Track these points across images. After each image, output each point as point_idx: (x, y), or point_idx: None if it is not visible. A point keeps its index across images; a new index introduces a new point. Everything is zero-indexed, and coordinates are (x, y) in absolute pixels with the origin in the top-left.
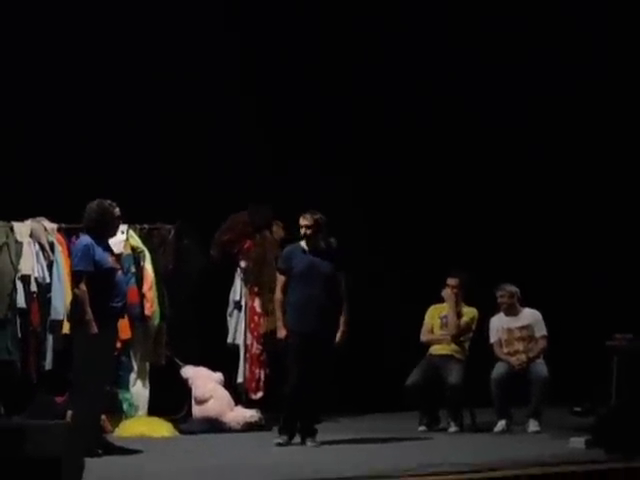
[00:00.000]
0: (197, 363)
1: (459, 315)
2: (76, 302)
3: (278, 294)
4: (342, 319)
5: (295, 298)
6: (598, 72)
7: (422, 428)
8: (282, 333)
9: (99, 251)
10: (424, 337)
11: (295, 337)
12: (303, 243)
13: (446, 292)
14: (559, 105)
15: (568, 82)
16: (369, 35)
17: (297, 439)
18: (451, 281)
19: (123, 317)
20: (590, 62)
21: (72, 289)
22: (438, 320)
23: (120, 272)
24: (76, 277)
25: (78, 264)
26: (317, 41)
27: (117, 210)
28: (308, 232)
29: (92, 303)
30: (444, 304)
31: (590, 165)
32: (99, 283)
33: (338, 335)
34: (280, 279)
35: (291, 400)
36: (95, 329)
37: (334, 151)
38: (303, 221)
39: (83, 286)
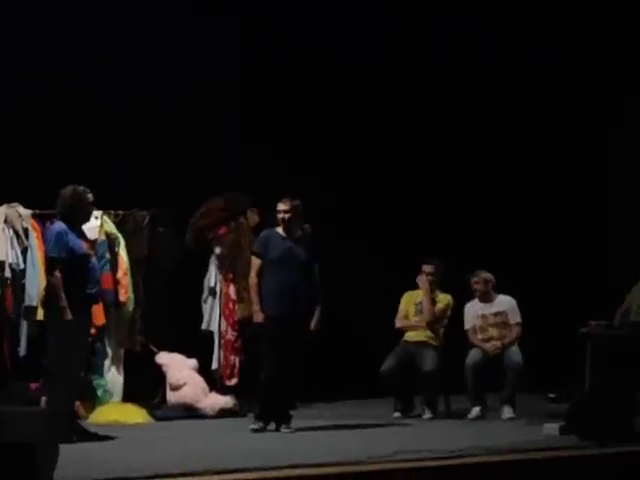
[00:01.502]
0: (172, 349)
1: (434, 302)
2: (50, 289)
3: (253, 278)
4: (316, 305)
5: (271, 283)
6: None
7: (397, 414)
8: (259, 317)
9: (73, 237)
10: (399, 323)
11: (271, 322)
12: (279, 229)
13: (421, 279)
14: (518, 95)
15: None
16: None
17: (272, 425)
18: (426, 268)
19: (97, 303)
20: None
21: (46, 276)
22: (413, 307)
23: (94, 258)
24: (50, 264)
25: (52, 250)
26: (293, 30)
27: (90, 196)
28: (286, 217)
29: (66, 290)
30: (419, 290)
31: (563, 151)
32: (73, 269)
33: (313, 321)
34: (255, 263)
35: (268, 386)
36: (70, 315)
37: (310, 138)
38: (281, 206)
39: (57, 273)
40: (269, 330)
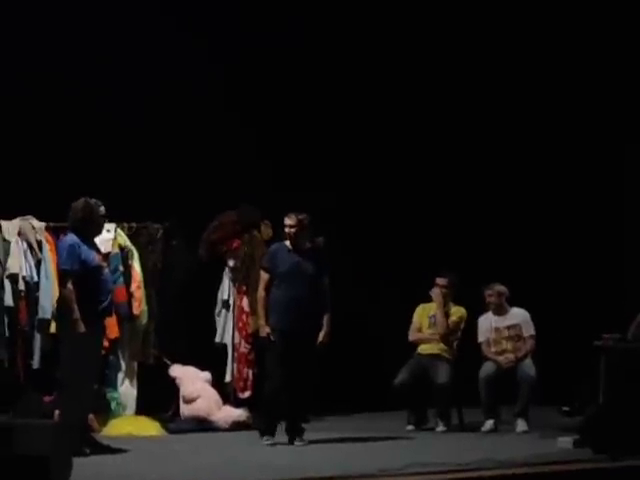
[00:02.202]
0: (185, 362)
1: (447, 314)
2: (63, 301)
3: (261, 292)
4: (325, 318)
5: (278, 297)
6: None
7: (410, 427)
8: (264, 331)
9: (85, 250)
10: (412, 336)
11: (278, 336)
12: (288, 242)
13: (435, 292)
14: (542, 104)
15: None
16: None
17: (284, 438)
18: (440, 281)
19: (110, 316)
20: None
21: (59, 288)
22: (427, 319)
23: (107, 270)
24: (62, 276)
25: (64, 263)
26: (301, 38)
27: (102, 209)
28: (292, 232)
29: (79, 302)
30: (432, 303)
31: (578, 163)
32: (86, 282)
33: (321, 334)
34: (263, 277)
35: (271, 401)
36: (83, 328)
37: (323, 151)
38: (287, 221)
39: (70, 285)
40: (275, 344)
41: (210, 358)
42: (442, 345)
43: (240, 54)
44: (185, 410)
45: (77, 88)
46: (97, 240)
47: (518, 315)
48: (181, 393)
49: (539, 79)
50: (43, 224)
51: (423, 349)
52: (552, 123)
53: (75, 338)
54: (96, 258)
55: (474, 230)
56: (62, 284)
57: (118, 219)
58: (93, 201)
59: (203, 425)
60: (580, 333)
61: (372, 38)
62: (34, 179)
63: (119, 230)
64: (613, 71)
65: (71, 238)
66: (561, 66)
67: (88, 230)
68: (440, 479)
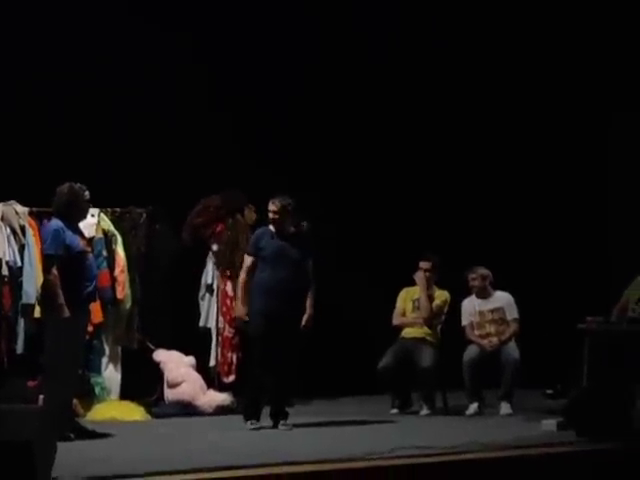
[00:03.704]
0: (169, 347)
1: (431, 298)
2: (48, 286)
3: (243, 275)
4: (309, 302)
5: (262, 281)
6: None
7: (394, 411)
8: (240, 312)
9: (69, 234)
10: (396, 320)
11: (260, 320)
12: (272, 227)
13: (418, 275)
14: (515, 91)
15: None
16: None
17: (269, 422)
18: (423, 264)
19: (95, 301)
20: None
21: (43, 273)
22: (410, 303)
23: (91, 255)
24: (47, 261)
25: (49, 248)
26: (294, 33)
27: (87, 193)
28: (275, 217)
29: (64, 287)
30: (416, 287)
31: (561, 146)
32: (70, 267)
33: (304, 318)
34: (247, 260)
35: (255, 385)
36: (67, 313)
37: (306, 136)
38: (271, 206)
39: (54, 270)
40: (257, 328)
41: (194, 342)
42: (426, 329)
43: (228, 42)
44: (169, 394)
45: (61, 74)
46: (81, 225)
47: (502, 298)
48: (165, 377)
49: (524, 50)
50: (26, 209)
51: (407, 333)
52: (533, 104)
53: (59, 323)
54: (80, 243)
55: (457, 213)
56: (47, 269)
57: (101, 204)
58: (78, 186)
59: (187, 409)
60: (564, 316)
61: (362, 34)
62: (17, 164)
63: (102, 215)
64: (600, 38)
65: (56, 223)
66: (546, 33)
67: (72, 215)
68: (425, 462)
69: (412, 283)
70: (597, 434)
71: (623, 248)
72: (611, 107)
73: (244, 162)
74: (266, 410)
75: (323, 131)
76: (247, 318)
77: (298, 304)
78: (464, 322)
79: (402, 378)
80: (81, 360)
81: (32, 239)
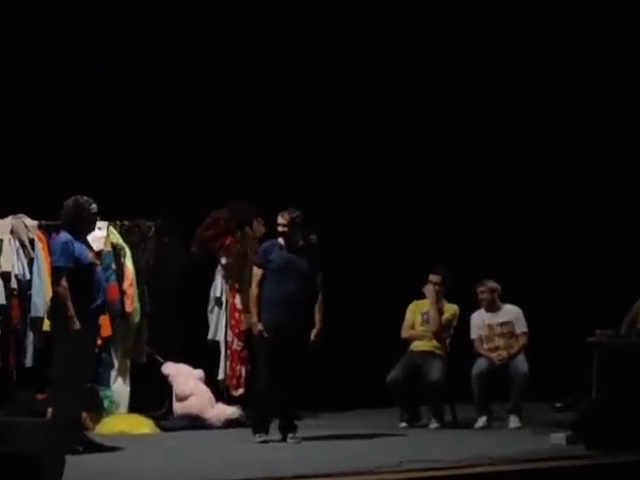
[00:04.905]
0: (178, 360)
1: (441, 312)
2: (58, 298)
3: (254, 288)
4: (318, 316)
5: (270, 294)
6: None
7: (403, 424)
8: (256, 328)
9: (78, 247)
10: (405, 333)
11: (269, 333)
12: (281, 239)
13: (428, 288)
14: (528, 105)
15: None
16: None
17: (277, 436)
18: (433, 277)
19: (104, 314)
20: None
21: (52, 286)
22: (419, 316)
23: (100, 268)
24: (57, 273)
25: (58, 260)
26: (298, 36)
27: (94, 206)
28: (284, 230)
29: (73, 299)
30: (425, 300)
31: (571, 160)
32: (79, 279)
33: (314, 332)
34: (256, 273)
35: (263, 398)
36: (77, 325)
37: (318, 148)
38: (280, 219)
39: (64, 282)
40: (266, 341)
41: (203, 356)
42: (435, 342)
43: (237, 51)
44: (178, 408)
45: (69, 86)
46: (89, 238)
47: (510, 312)
48: (174, 391)
49: (533, 37)
50: (35, 222)
51: (416, 346)
52: (546, 118)
53: (69, 336)
54: (89, 255)
55: (467, 226)
56: (56, 281)
57: (110, 217)
58: (84, 199)
59: (196, 423)
60: (573, 329)
61: (365, 34)
62: (26, 178)
63: (111, 228)
64: (611, 23)
65: (65, 235)
66: (556, 19)
67: (79, 228)
68: (434, 476)
69: (422, 296)
70: (606, 448)
71: (633, 261)
72: (622, 92)
73: (253, 175)
74: (275, 423)
75: (333, 144)
76: (265, 334)
77: (306, 317)
78: (473, 335)
79: (411, 391)
80: (90, 373)
81: (41, 252)
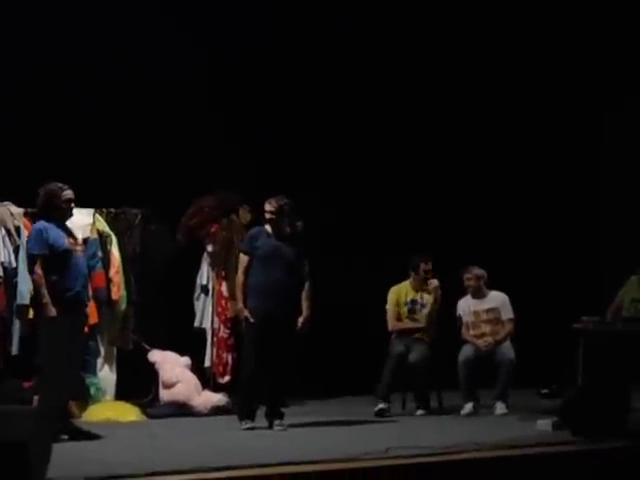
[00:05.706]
0: (164, 347)
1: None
2: (34, 286)
3: (240, 275)
4: (305, 304)
5: (257, 281)
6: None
7: (382, 405)
8: (243, 314)
9: (53, 233)
10: (394, 326)
11: (255, 320)
12: (268, 227)
13: (433, 283)
14: (509, 91)
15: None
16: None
17: (264, 423)
18: (423, 265)
19: (87, 300)
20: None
21: (29, 273)
22: (404, 307)
23: (79, 253)
24: (30, 261)
25: (32, 248)
26: (291, 32)
27: (67, 192)
28: (272, 217)
29: (50, 286)
30: (404, 284)
31: (555, 146)
32: (55, 266)
33: (301, 319)
34: (243, 260)
35: (249, 385)
36: (53, 312)
37: (301, 135)
38: (267, 206)
39: (39, 269)
40: (252, 328)
41: (189, 343)
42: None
43: (225, 42)
44: (164, 395)
45: (55, 74)
46: (75, 225)
47: (497, 298)
48: (160, 378)
49: (517, 52)
50: (21, 210)
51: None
52: (527, 104)
53: (53, 323)
54: (66, 242)
55: (452, 213)
56: (30, 269)
57: (97, 204)
58: (58, 185)
59: (182, 410)
60: (559, 316)
61: (360, 33)
62: (11, 165)
63: (97, 215)
64: (592, 39)
65: (40, 223)
66: (539, 35)
67: (53, 214)
68: (420, 462)
69: (400, 280)
70: (592, 434)
71: (618, 248)
72: (602, 107)
73: (238, 162)
74: (261, 410)
75: (319, 132)
76: (251, 319)
77: (292, 304)
78: (459, 322)
79: (398, 377)
80: (77, 361)
81: (27, 240)
